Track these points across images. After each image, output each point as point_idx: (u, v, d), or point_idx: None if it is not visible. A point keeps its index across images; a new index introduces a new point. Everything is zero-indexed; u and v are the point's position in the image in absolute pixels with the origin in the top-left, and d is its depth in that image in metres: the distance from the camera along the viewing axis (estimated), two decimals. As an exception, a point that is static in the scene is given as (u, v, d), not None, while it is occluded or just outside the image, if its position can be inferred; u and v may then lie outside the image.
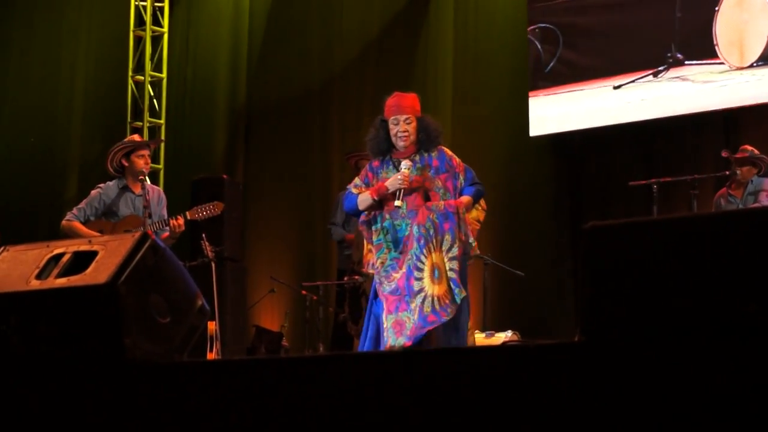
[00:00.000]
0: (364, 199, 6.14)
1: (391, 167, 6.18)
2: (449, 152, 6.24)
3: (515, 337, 8.15)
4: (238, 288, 10.91)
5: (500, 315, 9.36)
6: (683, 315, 2.71)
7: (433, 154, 6.16)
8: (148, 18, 12.60)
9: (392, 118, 6.15)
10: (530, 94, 10.25)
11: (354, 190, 6.24)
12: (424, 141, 6.16)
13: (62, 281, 4.04)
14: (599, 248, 2.93)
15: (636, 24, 9.68)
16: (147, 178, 7.59)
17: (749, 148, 8.51)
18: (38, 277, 4.10)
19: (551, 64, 9.97)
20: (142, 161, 7.57)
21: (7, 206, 12.59)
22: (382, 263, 6.08)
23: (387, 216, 6.10)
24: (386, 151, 6.22)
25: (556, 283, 9.84)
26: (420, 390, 3.14)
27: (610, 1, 9.82)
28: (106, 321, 3.90)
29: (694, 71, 9.42)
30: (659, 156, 9.85)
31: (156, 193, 7.73)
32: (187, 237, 7.81)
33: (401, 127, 6.12)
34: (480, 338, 8.24)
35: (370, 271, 6.28)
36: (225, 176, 11.10)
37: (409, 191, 6.06)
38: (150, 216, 7.40)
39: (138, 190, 7.53)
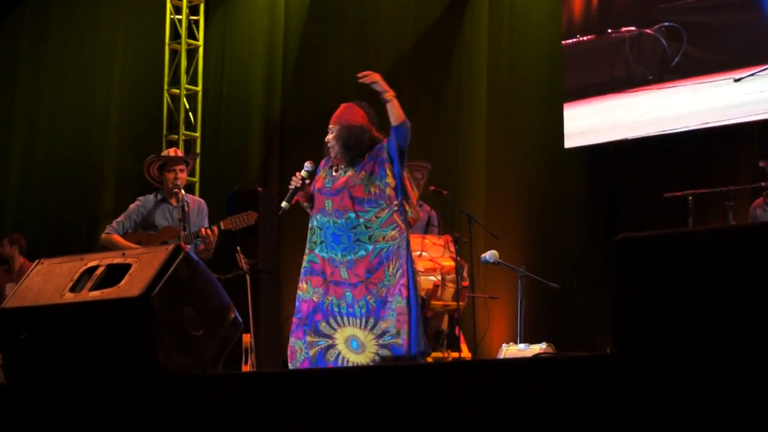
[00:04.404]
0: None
1: (329, 171, 6.18)
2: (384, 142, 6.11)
3: (550, 350, 8.11)
4: (272, 300, 10.91)
5: (535, 327, 9.30)
6: (716, 327, 2.69)
7: (366, 157, 6.10)
8: (183, 31, 12.65)
9: None
10: (654, 86, 10.24)
11: None
12: (346, 150, 6.11)
13: (96, 294, 4.05)
14: (631, 260, 2.92)
15: (757, 21, 9.78)
16: (182, 190, 7.63)
17: (785, 157, 8.45)
18: (72, 289, 4.12)
19: (677, 59, 10.15)
20: (171, 176, 7.62)
21: (45, 219, 12.67)
22: (308, 263, 6.05)
23: (317, 215, 6.09)
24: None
25: (591, 295, 9.77)
26: (453, 401, 3.13)
27: (730, 1, 9.93)
28: (140, 334, 3.91)
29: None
30: (695, 167, 9.78)
31: (197, 204, 7.78)
32: (221, 250, 7.82)
33: (327, 137, 6.15)
34: (514, 350, 8.21)
35: None
36: (260, 189, 11.11)
37: (334, 192, 6.02)
38: (185, 228, 7.45)
39: (175, 202, 7.60)
